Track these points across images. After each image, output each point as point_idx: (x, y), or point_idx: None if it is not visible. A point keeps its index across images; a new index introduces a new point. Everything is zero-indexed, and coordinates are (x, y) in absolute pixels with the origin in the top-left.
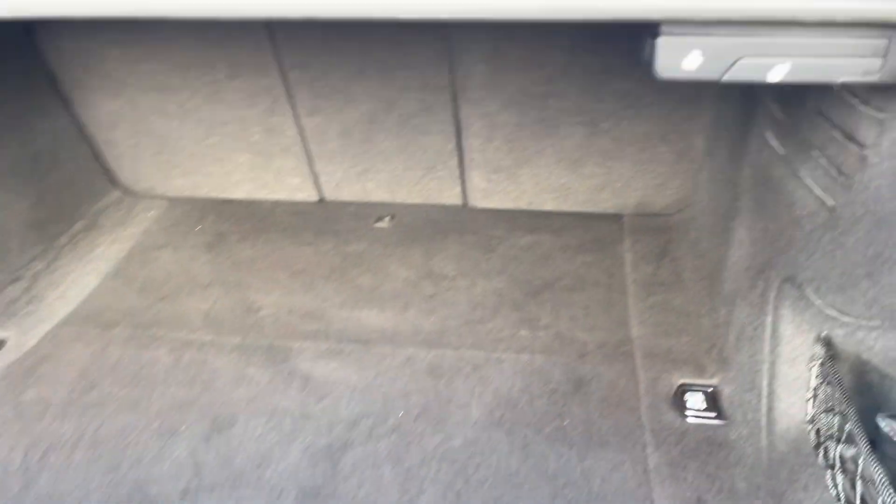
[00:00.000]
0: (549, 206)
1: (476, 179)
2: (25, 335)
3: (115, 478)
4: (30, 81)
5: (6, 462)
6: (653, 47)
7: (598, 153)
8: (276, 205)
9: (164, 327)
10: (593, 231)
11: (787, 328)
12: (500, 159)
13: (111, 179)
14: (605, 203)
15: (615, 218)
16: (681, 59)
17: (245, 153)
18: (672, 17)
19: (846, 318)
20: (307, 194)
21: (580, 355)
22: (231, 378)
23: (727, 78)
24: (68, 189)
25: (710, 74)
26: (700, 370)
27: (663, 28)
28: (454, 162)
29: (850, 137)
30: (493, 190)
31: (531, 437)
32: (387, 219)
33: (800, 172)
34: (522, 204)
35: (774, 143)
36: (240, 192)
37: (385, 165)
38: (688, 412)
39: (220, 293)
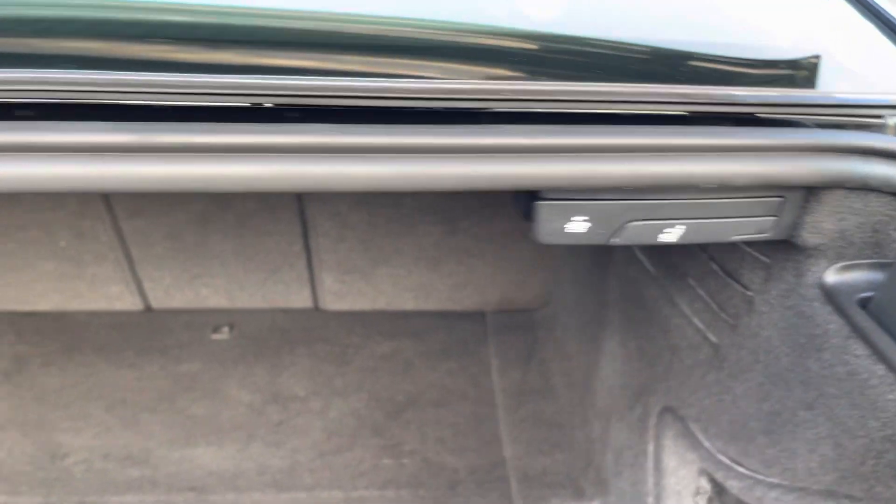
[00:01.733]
0: (409, 305)
1: (328, 281)
2: None
3: None
4: None
5: None
6: (532, 210)
7: (458, 251)
8: (92, 316)
9: None
10: (456, 332)
11: (671, 459)
12: (354, 259)
13: None
14: (466, 301)
15: (478, 316)
16: (564, 224)
17: (52, 259)
18: (553, 185)
19: (741, 469)
20: (130, 303)
21: (451, 485)
22: None
23: (614, 241)
24: None
25: (597, 239)
26: (578, 493)
27: (544, 193)
28: (302, 263)
29: (733, 276)
30: (346, 291)
31: None
32: (226, 329)
33: (675, 299)
34: (380, 304)
35: (644, 260)
36: (46, 304)
37: (222, 269)
38: None
39: (17, 437)
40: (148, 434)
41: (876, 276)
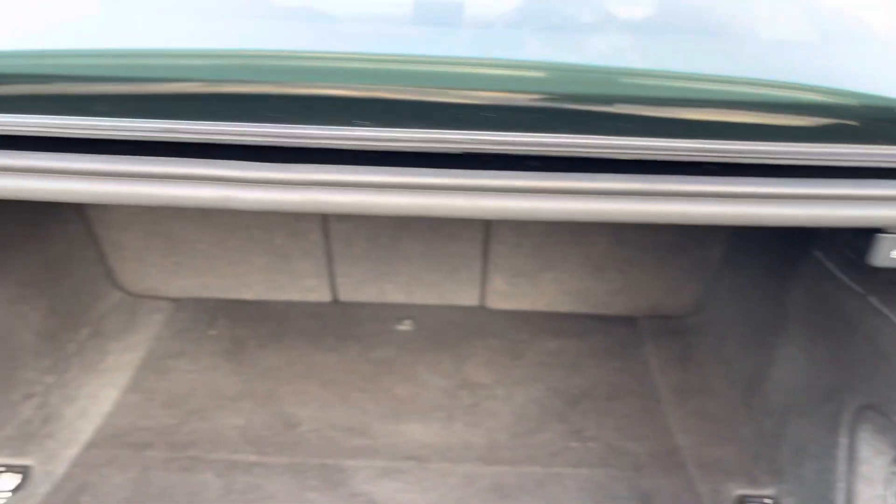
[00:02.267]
0: (567, 308)
1: (497, 282)
2: (51, 461)
3: None
4: None
5: None
6: (871, 241)
7: (620, 260)
8: (290, 306)
9: (202, 447)
10: (613, 334)
11: (867, 450)
12: (524, 264)
13: (112, 281)
14: (620, 306)
15: (630, 320)
16: (892, 251)
17: (264, 256)
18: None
19: None
20: (321, 295)
21: (636, 468)
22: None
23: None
24: (76, 295)
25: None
26: (753, 480)
27: (888, 228)
28: (477, 266)
29: None
30: (512, 293)
31: None
32: (408, 321)
33: (882, 311)
34: (540, 306)
35: (838, 271)
36: (250, 293)
37: (406, 268)
38: None
39: (252, 407)
40: (362, 409)
41: None
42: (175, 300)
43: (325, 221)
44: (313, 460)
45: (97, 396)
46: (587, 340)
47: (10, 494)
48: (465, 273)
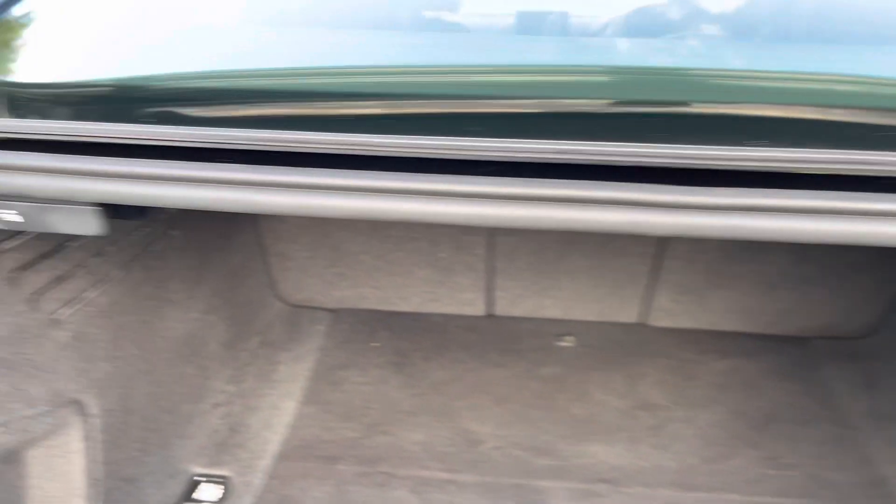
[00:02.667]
0: (730, 326)
1: (661, 299)
2: (247, 473)
3: None
4: None
5: None
6: None
7: (796, 278)
8: (448, 318)
9: (390, 462)
10: (785, 355)
11: None
12: (693, 280)
13: (273, 291)
14: (790, 325)
15: (801, 340)
16: None
17: (425, 268)
18: None
19: None
20: (475, 308)
21: (840, 499)
22: None
23: None
24: (248, 305)
25: None
26: None
27: None
28: (643, 282)
29: None
30: (675, 310)
31: None
32: (570, 337)
33: None
34: (704, 324)
35: None
36: (407, 305)
37: (569, 283)
38: None
39: (431, 422)
40: (541, 429)
41: None
42: (332, 311)
43: (492, 235)
44: (505, 480)
45: (278, 407)
46: (759, 361)
47: None
48: (629, 289)
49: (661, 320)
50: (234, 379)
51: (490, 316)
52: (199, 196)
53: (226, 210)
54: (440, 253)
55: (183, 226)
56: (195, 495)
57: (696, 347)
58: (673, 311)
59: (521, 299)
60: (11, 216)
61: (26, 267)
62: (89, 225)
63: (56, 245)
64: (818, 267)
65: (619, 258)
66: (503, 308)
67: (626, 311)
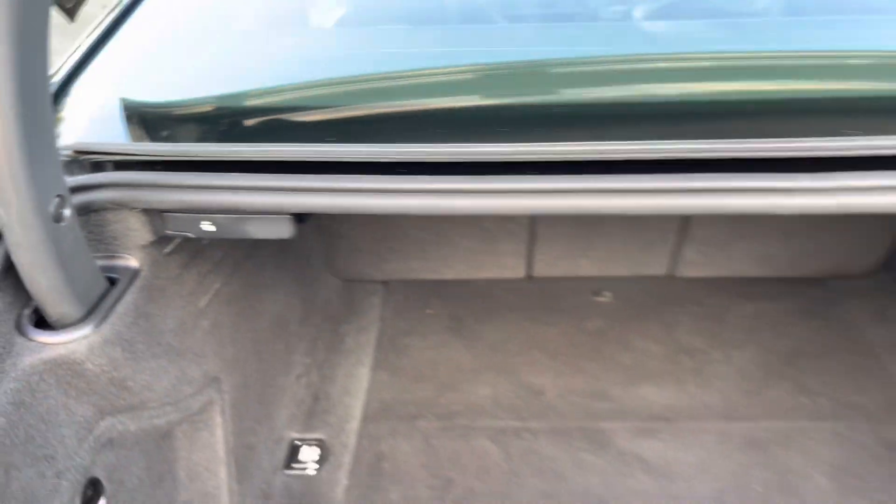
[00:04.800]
0: (753, 273)
1: (688, 252)
2: (340, 435)
3: None
4: None
5: None
6: None
7: (809, 224)
8: (492, 283)
9: (468, 417)
10: (805, 296)
11: None
12: (718, 233)
13: (328, 267)
14: (807, 268)
15: (818, 281)
16: None
17: (469, 238)
18: None
19: None
20: (516, 272)
21: (874, 420)
22: (572, 465)
23: None
24: (312, 284)
25: None
26: None
27: None
28: (672, 238)
29: None
30: (701, 261)
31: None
32: (607, 293)
33: None
34: (727, 272)
35: None
36: (451, 273)
37: (603, 242)
38: None
39: (495, 378)
40: (594, 376)
41: None
42: (384, 283)
43: None
44: (571, 424)
45: (353, 375)
46: (782, 302)
47: (317, 465)
48: (658, 246)
49: (689, 271)
50: (309, 352)
51: (530, 278)
52: (343, 203)
53: (366, 212)
54: (485, 223)
55: None
56: (300, 457)
57: (724, 294)
58: (699, 262)
59: (560, 260)
60: (208, 227)
61: (184, 267)
62: (284, 230)
63: (198, 247)
64: (827, 215)
65: (647, 220)
66: (541, 269)
67: (655, 265)
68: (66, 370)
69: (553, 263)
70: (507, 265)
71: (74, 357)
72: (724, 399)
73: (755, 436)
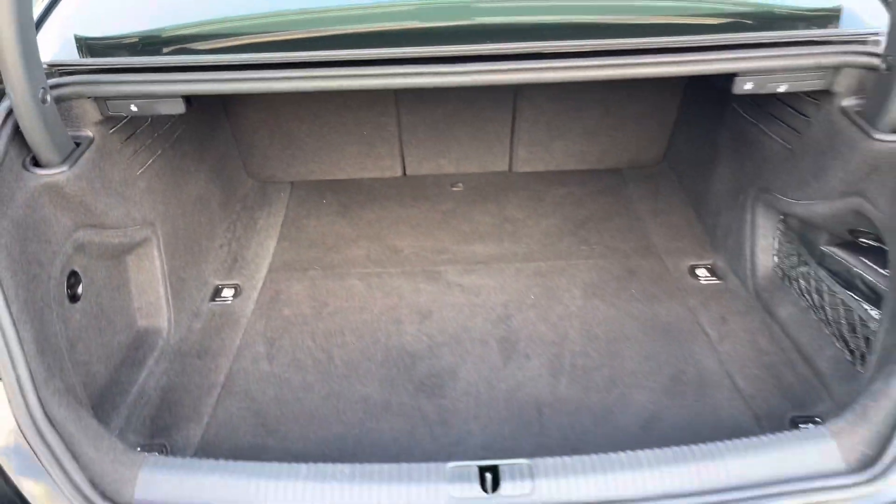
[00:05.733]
0: (570, 166)
1: (520, 152)
2: (250, 281)
3: (382, 346)
4: (212, 104)
5: (309, 349)
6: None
7: (608, 127)
8: (374, 181)
9: (344, 267)
10: (605, 181)
11: (760, 219)
12: (540, 136)
13: (246, 171)
14: (609, 161)
15: (616, 171)
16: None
17: (354, 145)
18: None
19: (796, 201)
20: (394, 171)
21: (625, 257)
22: (412, 290)
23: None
24: (230, 180)
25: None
26: (700, 256)
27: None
28: (507, 140)
29: (798, 111)
30: (531, 158)
31: (616, 302)
32: (460, 184)
33: (767, 131)
34: (551, 166)
35: (744, 114)
36: (343, 174)
37: (457, 146)
38: (700, 278)
39: (368, 243)
40: (441, 239)
41: None
42: (291, 182)
43: (399, 115)
44: (417, 268)
45: (263, 245)
46: (586, 186)
47: (231, 299)
48: (498, 147)
49: (523, 167)
50: (229, 228)
51: (405, 175)
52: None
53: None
54: (364, 131)
55: (187, 124)
56: (221, 294)
57: (546, 182)
58: (529, 159)
59: (425, 161)
60: (134, 108)
61: (123, 142)
62: (179, 107)
63: (135, 129)
64: (618, 118)
65: (488, 124)
66: (412, 168)
67: (498, 163)
68: (53, 191)
69: (420, 163)
70: (385, 166)
71: (58, 182)
72: (527, 249)
73: (540, 270)
